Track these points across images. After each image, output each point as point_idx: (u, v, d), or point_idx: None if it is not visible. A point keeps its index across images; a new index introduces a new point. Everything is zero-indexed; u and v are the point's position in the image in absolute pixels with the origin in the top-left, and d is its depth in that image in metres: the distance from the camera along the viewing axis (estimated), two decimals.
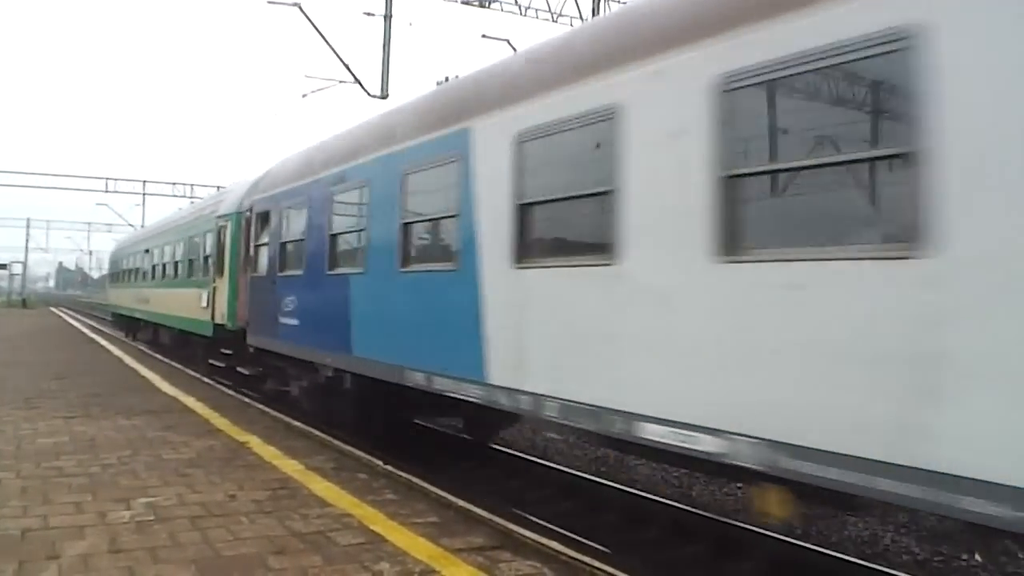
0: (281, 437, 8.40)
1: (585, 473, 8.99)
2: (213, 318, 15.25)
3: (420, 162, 7.70)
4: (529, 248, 6.17)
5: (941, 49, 3.45)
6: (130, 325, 28.52)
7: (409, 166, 7.90)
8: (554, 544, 4.93)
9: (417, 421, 10.68)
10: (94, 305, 64.70)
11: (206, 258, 16.40)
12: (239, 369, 14.21)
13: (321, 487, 6.21)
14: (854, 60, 3.85)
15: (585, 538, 6.66)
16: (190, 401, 10.86)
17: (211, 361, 15.94)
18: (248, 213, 13.40)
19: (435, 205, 7.52)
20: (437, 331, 7.29)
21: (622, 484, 8.44)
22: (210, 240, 16.13)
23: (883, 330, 3.68)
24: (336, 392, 9.71)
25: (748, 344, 4.32)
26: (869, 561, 6.31)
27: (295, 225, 10.91)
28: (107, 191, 53.00)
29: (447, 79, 9.10)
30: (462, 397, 6.82)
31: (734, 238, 4.42)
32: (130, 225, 57.83)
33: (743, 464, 4.29)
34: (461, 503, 5.81)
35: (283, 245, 11.34)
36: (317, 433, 8.69)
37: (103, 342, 23.28)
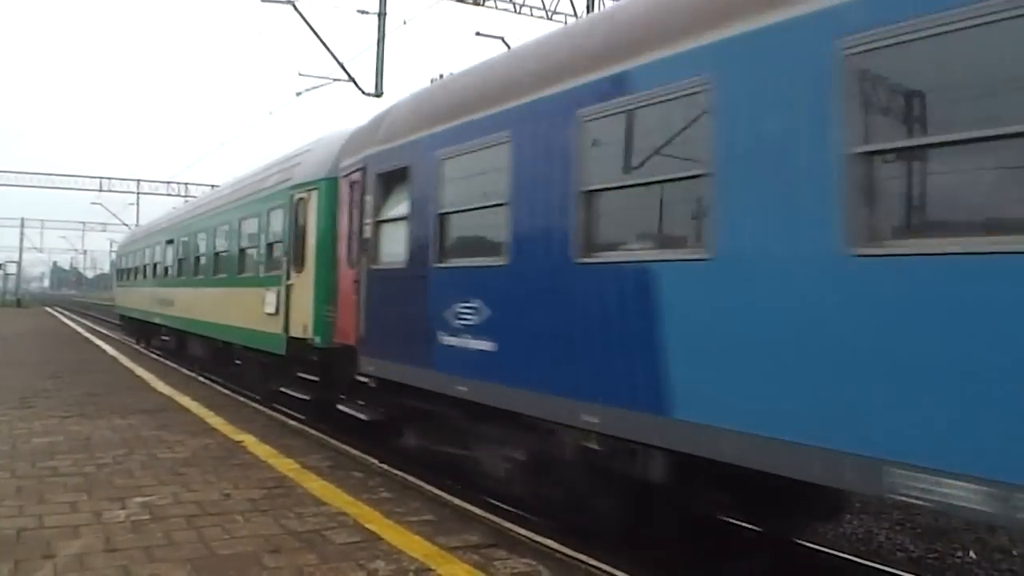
0: (276, 436, 8.40)
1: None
2: (287, 330, 11.04)
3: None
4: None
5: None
6: (143, 330, 24.21)
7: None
8: (549, 542, 4.94)
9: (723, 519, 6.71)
10: (89, 305, 64.68)
11: (270, 245, 12.36)
12: (344, 409, 9.24)
13: (317, 486, 6.21)
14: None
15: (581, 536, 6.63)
16: (185, 400, 10.86)
17: (283, 389, 11.36)
18: (354, 175, 9.30)
19: None
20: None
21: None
22: (277, 220, 12.01)
23: None
24: (603, 477, 5.68)
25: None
26: (864, 559, 6.33)
27: (477, 183, 7.01)
28: (101, 190, 53.19)
29: (441, 76, 9.06)
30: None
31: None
32: (124, 224, 57.79)
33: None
34: (457, 501, 5.82)
35: (444, 218, 7.30)
36: (312, 432, 8.69)
37: (98, 342, 23.25)
